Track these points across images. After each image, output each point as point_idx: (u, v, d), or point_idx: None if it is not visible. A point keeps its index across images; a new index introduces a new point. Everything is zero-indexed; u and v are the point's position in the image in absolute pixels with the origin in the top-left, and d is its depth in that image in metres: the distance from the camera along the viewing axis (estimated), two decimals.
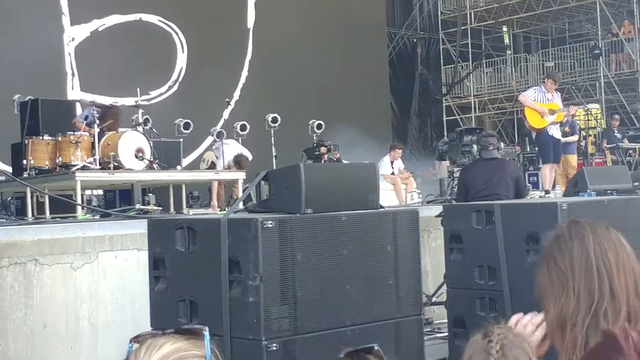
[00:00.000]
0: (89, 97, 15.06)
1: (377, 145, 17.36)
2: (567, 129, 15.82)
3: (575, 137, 16.13)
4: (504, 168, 9.23)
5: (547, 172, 13.50)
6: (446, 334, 6.44)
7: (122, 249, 7.15)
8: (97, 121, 11.14)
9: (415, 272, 5.04)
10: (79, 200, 10.39)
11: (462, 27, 25.93)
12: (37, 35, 16.57)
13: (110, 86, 16.15)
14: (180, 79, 19.17)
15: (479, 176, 9.12)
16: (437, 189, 14.70)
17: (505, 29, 28.91)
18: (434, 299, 8.35)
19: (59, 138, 10.99)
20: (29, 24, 16.41)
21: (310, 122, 15.67)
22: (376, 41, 24.38)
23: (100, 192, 13.53)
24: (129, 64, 17.24)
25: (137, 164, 11.08)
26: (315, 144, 15.19)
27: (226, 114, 17.03)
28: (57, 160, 10.90)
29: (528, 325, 2.41)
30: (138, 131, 11.74)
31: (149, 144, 11.50)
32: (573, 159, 15.81)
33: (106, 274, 7.04)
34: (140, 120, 12.34)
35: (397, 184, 15.89)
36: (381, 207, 5.09)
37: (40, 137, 11.16)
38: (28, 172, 10.94)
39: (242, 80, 20.19)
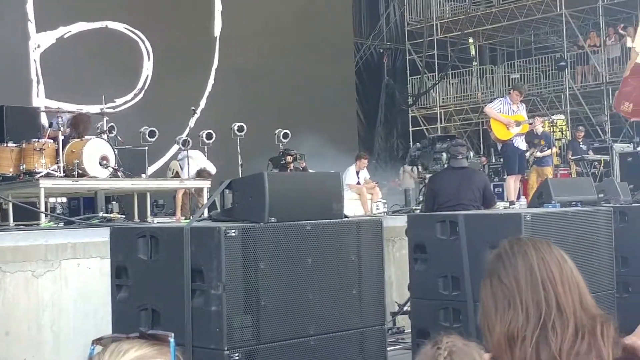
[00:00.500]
0: (54, 104, 14.95)
1: (343, 154, 17.37)
2: (542, 141, 15.93)
3: (549, 152, 16.21)
4: (472, 177, 9.26)
5: (512, 183, 13.59)
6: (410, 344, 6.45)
7: (84, 257, 7.09)
8: (67, 128, 11.09)
9: (379, 282, 5.04)
10: (42, 208, 10.30)
11: (429, 38, 26.01)
12: (2, 42, 16.44)
13: (76, 93, 16.05)
14: (146, 87, 19.08)
15: (447, 185, 9.16)
16: (403, 199, 14.74)
17: (471, 40, 29.10)
18: (405, 308, 8.35)
19: (23, 145, 10.92)
20: None
21: (277, 131, 15.66)
22: (343, 51, 24.42)
23: (64, 199, 13.43)
24: (95, 71, 17.14)
25: (101, 171, 11.02)
26: (281, 153, 15.16)
27: (192, 122, 16.93)
28: (21, 168, 10.82)
29: None
30: (103, 139, 11.68)
31: (114, 151, 11.44)
32: (549, 171, 15.91)
33: (68, 282, 6.98)
34: (105, 128, 12.28)
35: (362, 193, 15.89)
36: (345, 216, 5.09)
37: (5, 144, 11.06)
38: None
39: (209, 88, 20.15)
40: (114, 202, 12.09)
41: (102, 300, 6.23)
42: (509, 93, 14.01)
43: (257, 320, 4.45)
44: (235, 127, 15.18)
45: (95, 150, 11.07)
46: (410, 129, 27.05)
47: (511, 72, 26.82)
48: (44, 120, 12.73)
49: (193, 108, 17.19)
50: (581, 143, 19.22)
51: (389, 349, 5.39)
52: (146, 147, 13.75)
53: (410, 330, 7.97)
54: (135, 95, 18.82)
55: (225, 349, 4.31)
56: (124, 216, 10.67)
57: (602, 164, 18.54)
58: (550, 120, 19.33)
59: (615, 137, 22.43)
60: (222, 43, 20.57)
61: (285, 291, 4.58)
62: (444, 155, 11.80)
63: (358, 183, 16.35)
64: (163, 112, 17.26)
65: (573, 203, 7.76)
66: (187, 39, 19.45)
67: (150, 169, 14.94)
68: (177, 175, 14.15)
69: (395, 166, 23.27)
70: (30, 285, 6.77)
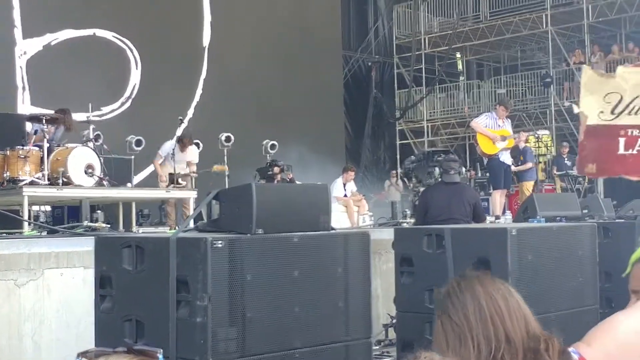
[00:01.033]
0: (38, 111, 14.87)
1: (330, 166, 17.38)
2: (521, 156, 15.98)
3: (527, 165, 16.25)
4: (463, 192, 9.42)
5: (498, 198, 13.61)
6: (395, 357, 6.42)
7: (68, 267, 7.02)
8: (51, 127, 11.04)
9: (365, 295, 5.01)
10: (25, 216, 10.23)
11: (417, 53, 26.12)
12: None
13: (62, 101, 15.86)
14: (133, 96, 19.03)
15: (439, 199, 9.29)
16: (389, 212, 14.73)
17: (458, 55, 29.22)
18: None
19: (8, 152, 10.83)
20: None
21: (264, 142, 15.65)
22: (331, 63, 24.46)
23: (49, 208, 13.34)
24: (82, 79, 17.06)
25: (86, 180, 10.96)
26: (268, 164, 15.16)
27: (179, 132, 16.90)
28: (5, 175, 10.73)
29: None
30: (88, 147, 11.61)
31: (100, 160, 11.38)
32: (530, 186, 15.94)
33: (51, 292, 6.91)
34: (91, 136, 12.22)
35: (349, 206, 15.89)
36: (332, 229, 5.06)
37: None
38: None
39: (197, 98, 20.11)
40: (98, 211, 11.98)
41: (85, 310, 6.17)
42: (495, 108, 14.05)
43: (243, 332, 4.40)
44: (223, 138, 15.16)
45: (81, 159, 11.01)
46: (398, 142, 27.14)
47: (497, 88, 26.93)
48: (28, 127, 12.65)
49: (180, 118, 17.08)
50: (566, 159, 19.29)
51: None
52: (132, 156, 13.71)
53: None
54: (123, 104, 18.76)
55: None
56: (109, 225, 10.60)
57: (587, 180, 18.59)
58: (536, 135, 19.38)
59: None
60: (210, 53, 20.56)
61: (271, 303, 4.53)
62: (437, 169, 11.87)
63: (345, 195, 16.35)
64: (150, 121, 17.20)
65: (558, 218, 7.79)
66: (176, 49, 19.42)
67: (136, 178, 14.88)
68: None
69: (382, 179, 23.29)
70: (12, 295, 6.69)
